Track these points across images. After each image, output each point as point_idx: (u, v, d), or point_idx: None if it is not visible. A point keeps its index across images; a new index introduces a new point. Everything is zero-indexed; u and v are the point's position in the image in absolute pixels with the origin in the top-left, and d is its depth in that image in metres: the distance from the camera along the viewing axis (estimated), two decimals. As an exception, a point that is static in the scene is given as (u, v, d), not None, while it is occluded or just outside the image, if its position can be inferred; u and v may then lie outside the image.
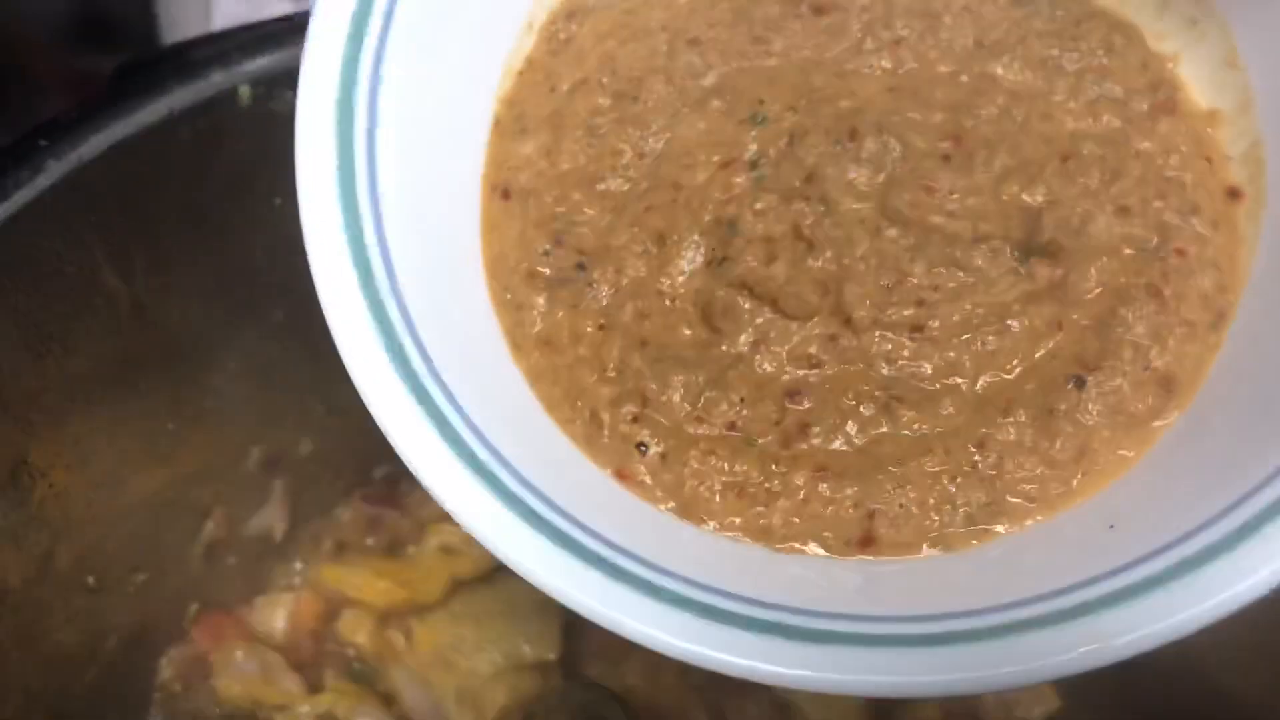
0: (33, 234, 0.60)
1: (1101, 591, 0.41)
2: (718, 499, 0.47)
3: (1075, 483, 0.47)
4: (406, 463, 0.43)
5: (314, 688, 0.80)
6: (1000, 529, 0.47)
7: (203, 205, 0.68)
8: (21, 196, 0.59)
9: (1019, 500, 0.47)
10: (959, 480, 0.47)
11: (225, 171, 0.67)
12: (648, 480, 0.48)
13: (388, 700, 0.80)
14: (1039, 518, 0.47)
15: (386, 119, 0.47)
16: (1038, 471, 0.47)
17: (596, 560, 0.42)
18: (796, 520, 0.47)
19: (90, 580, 0.71)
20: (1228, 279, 0.49)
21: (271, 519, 0.84)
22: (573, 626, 0.81)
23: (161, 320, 0.69)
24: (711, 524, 0.47)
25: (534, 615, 0.82)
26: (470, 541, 0.82)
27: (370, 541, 0.87)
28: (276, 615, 0.83)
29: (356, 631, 0.82)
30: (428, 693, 0.80)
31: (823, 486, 0.47)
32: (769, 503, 0.47)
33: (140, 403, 0.70)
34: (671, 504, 0.47)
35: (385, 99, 0.47)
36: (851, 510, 0.47)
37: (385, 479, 0.87)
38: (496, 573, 0.82)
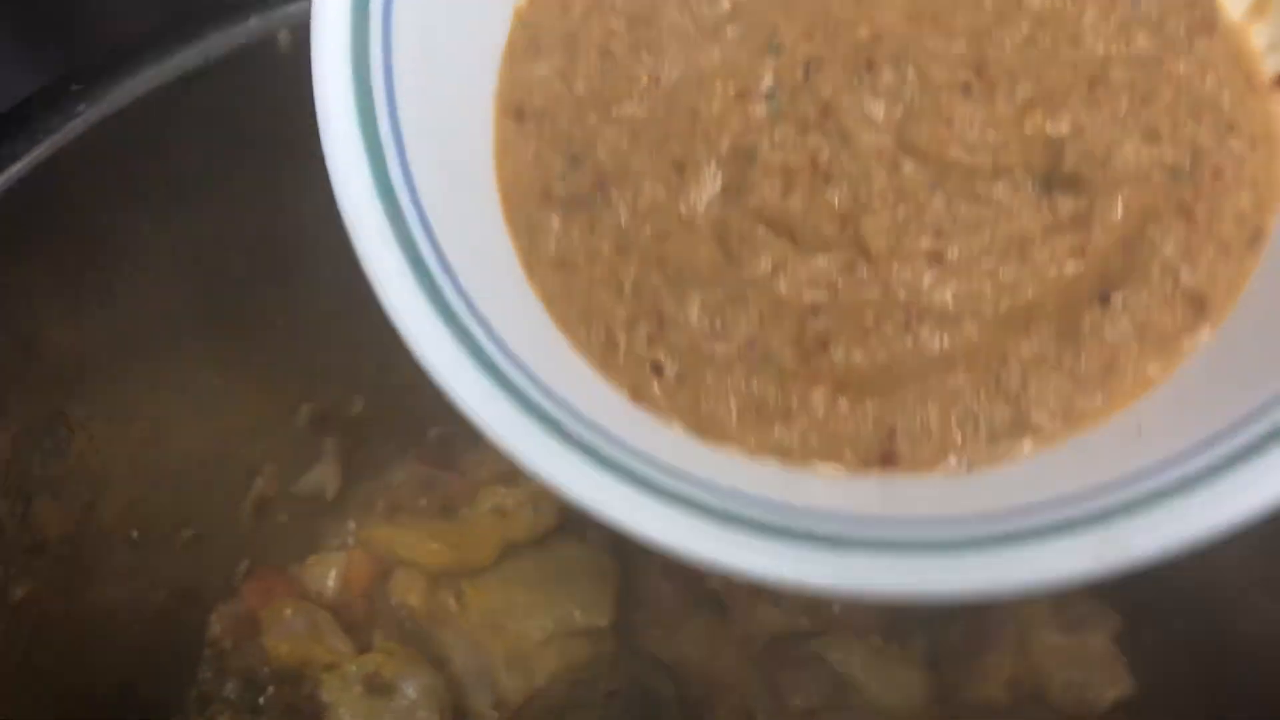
0: (66, 182, 0.60)
1: (1124, 497, 0.40)
2: (735, 418, 0.47)
3: (1101, 399, 0.46)
4: (433, 378, 0.43)
5: (363, 648, 0.80)
6: (1025, 447, 0.46)
7: (245, 155, 0.67)
8: (54, 142, 0.58)
9: (1044, 416, 0.46)
10: (982, 396, 0.46)
11: (266, 121, 0.66)
12: (663, 401, 0.47)
13: (438, 663, 0.79)
14: (1064, 434, 0.46)
15: (402, 39, 0.47)
16: (1063, 387, 0.46)
17: (614, 466, 0.42)
18: (815, 437, 0.47)
19: (135, 534, 0.71)
20: (1265, 196, 0.48)
21: (323, 477, 0.84)
22: (627, 593, 0.80)
23: (201, 274, 0.69)
24: (729, 444, 0.47)
25: (586, 581, 0.81)
26: (523, 505, 0.82)
27: (423, 503, 0.86)
28: (328, 574, 0.83)
29: (409, 592, 0.81)
30: (477, 656, 0.79)
31: (842, 403, 0.47)
32: (787, 421, 0.47)
33: (183, 358, 0.70)
34: (687, 424, 0.47)
35: (400, 17, 0.48)
36: (871, 427, 0.46)
37: (439, 440, 0.86)
38: (549, 537, 0.81)
